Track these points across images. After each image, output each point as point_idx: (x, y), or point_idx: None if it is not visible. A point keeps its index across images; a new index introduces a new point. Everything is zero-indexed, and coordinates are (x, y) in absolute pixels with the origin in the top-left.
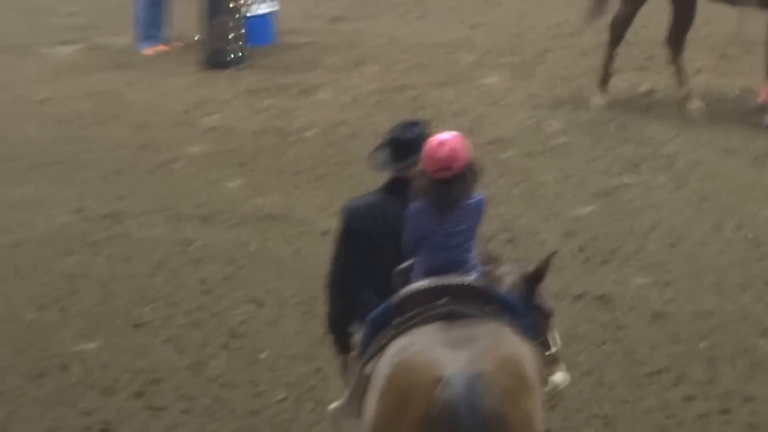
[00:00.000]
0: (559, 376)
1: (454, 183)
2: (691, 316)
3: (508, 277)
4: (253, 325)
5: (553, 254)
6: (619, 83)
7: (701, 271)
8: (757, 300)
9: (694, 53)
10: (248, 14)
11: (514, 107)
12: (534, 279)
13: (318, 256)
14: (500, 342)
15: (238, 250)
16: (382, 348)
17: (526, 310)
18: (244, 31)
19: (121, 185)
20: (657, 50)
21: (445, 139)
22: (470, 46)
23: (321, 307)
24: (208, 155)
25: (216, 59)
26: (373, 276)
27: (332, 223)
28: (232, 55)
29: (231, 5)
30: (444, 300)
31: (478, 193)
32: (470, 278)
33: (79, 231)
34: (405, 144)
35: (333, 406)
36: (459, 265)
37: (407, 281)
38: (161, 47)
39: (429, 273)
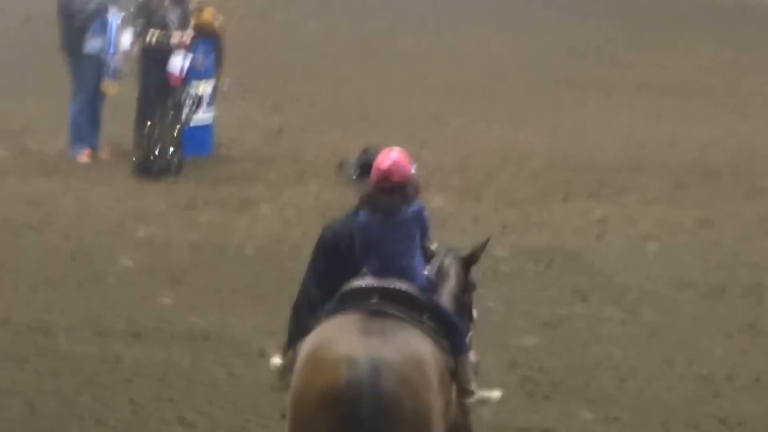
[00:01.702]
0: (494, 393)
1: (393, 192)
2: None
3: (451, 268)
4: None
5: (488, 239)
6: (569, 209)
7: (650, 408)
8: None
9: (648, 180)
10: (187, 124)
11: (459, 230)
12: (469, 261)
13: (253, 378)
14: (410, 340)
15: (170, 369)
16: (311, 329)
17: (454, 322)
18: (179, 140)
19: (50, 296)
20: (609, 176)
21: (390, 152)
22: (417, 164)
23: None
24: (141, 268)
25: (148, 168)
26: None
27: (269, 344)
28: (167, 165)
29: (168, 113)
30: (374, 299)
31: (417, 203)
32: (403, 284)
33: (6, 343)
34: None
35: (275, 361)
36: (401, 269)
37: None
38: (94, 153)
39: (372, 275)
